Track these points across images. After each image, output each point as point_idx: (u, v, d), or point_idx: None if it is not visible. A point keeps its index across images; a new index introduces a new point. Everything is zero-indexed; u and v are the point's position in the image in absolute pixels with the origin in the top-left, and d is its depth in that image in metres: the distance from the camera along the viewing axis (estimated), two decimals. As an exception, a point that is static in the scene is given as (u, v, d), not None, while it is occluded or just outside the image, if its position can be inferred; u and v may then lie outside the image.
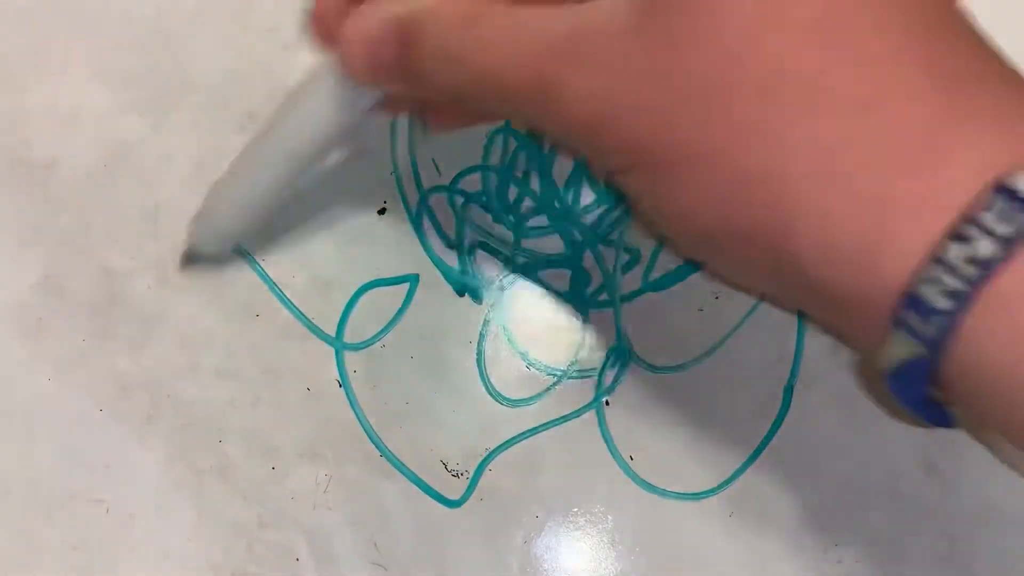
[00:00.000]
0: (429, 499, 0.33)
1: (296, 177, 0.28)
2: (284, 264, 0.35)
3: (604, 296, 0.34)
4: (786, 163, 0.18)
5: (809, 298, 0.20)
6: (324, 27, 0.25)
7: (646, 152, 0.19)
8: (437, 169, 0.36)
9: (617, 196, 0.35)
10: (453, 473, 0.33)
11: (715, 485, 0.33)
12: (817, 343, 0.34)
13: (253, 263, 0.34)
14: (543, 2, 0.20)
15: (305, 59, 0.37)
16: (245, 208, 0.30)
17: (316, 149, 0.27)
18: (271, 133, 0.28)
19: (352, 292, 0.35)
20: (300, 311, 0.34)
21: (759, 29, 0.17)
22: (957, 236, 0.16)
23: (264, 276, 0.34)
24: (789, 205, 0.18)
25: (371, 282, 0.35)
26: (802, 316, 0.34)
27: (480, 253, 0.35)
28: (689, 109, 0.17)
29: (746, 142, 0.18)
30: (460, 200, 0.36)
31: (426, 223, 0.35)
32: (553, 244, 0.35)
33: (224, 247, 0.33)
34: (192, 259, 0.34)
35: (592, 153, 0.21)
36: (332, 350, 0.34)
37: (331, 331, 0.34)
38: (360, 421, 0.33)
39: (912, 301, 0.17)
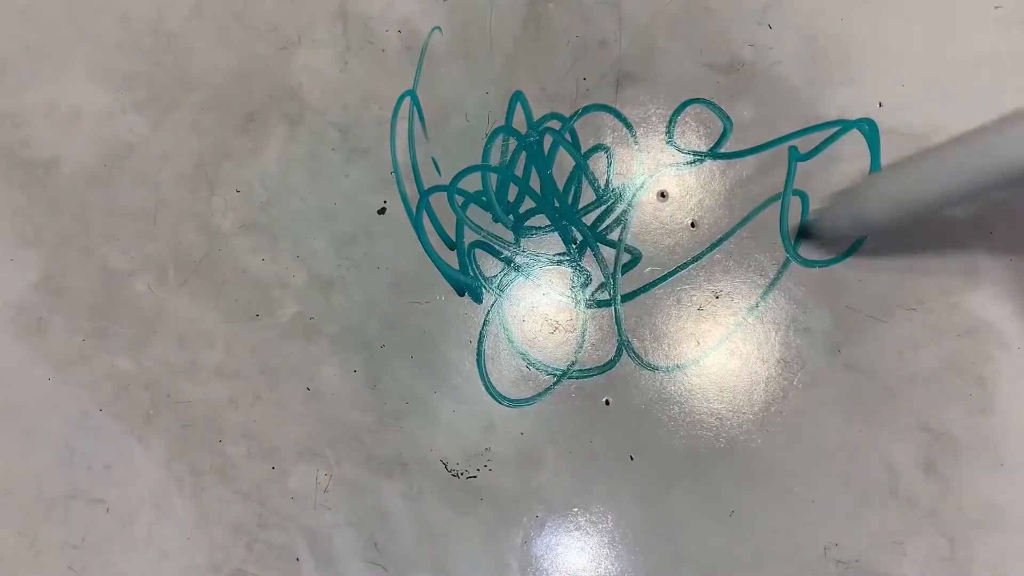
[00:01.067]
0: (429, 499, 0.33)
1: (972, 198, 0.26)
2: (284, 264, 0.35)
3: (604, 295, 0.34)
4: None
5: None
6: None
7: None
8: (437, 169, 0.36)
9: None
10: (453, 473, 0.33)
11: (714, 484, 0.33)
12: (819, 344, 0.34)
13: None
14: None
15: (305, 59, 0.37)
16: (902, 207, 0.28)
17: (1012, 180, 0.25)
18: (971, 145, 0.26)
19: (352, 292, 0.35)
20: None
21: None
22: None
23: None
24: None
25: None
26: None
27: (480, 253, 0.35)
28: None
29: None
30: (460, 200, 0.36)
31: (426, 223, 0.35)
32: (553, 243, 0.35)
33: (849, 234, 0.31)
34: (811, 234, 0.31)
35: None
36: (330, 351, 0.34)
37: (333, 331, 0.34)
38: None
39: None
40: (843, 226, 0.31)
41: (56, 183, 0.36)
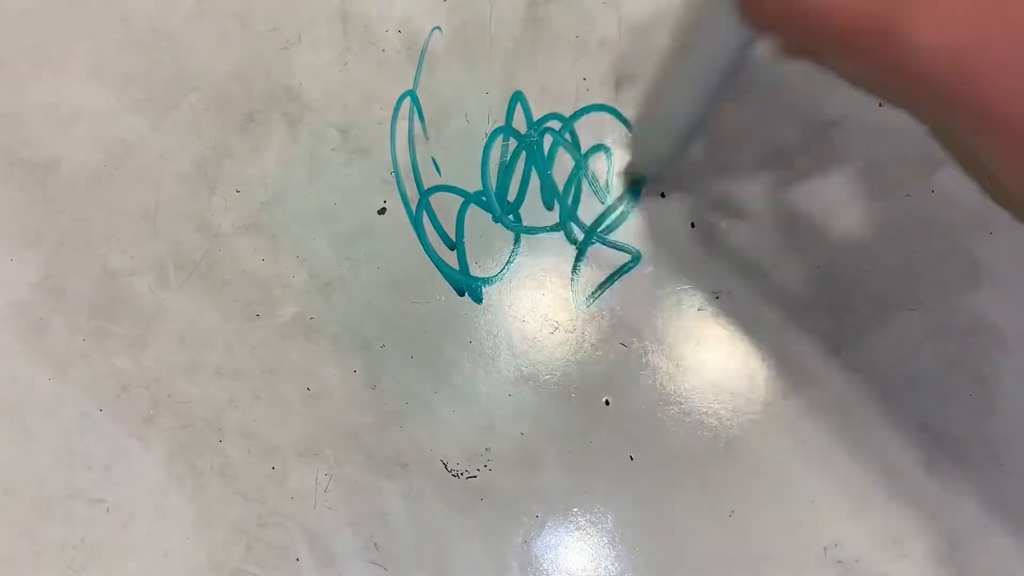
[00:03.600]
0: (429, 499, 0.33)
1: (711, 95, 0.28)
2: (284, 264, 0.35)
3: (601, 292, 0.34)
4: None
5: None
6: None
7: (1017, 121, 0.16)
8: (437, 169, 0.36)
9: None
10: (453, 473, 0.33)
11: (714, 484, 0.33)
12: (819, 344, 0.34)
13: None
14: None
15: (305, 59, 0.37)
16: (673, 129, 0.31)
17: (719, 70, 0.27)
18: (678, 63, 0.28)
19: (352, 292, 0.35)
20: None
21: None
22: None
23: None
24: None
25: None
26: None
27: (480, 253, 0.35)
28: None
29: None
30: (460, 200, 0.36)
31: (426, 223, 0.35)
32: (553, 243, 0.35)
33: (659, 166, 0.34)
34: (634, 180, 0.35)
35: (936, 109, 0.18)
36: (330, 351, 0.34)
37: (333, 331, 0.34)
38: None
39: None
40: (654, 166, 0.34)
41: (56, 183, 0.36)
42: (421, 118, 0.36)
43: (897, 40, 0.17)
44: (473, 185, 0.36)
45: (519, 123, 0.36)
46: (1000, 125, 0.17)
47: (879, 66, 0.18)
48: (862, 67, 0.19)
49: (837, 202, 0.35)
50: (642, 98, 0.31)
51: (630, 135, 0.35)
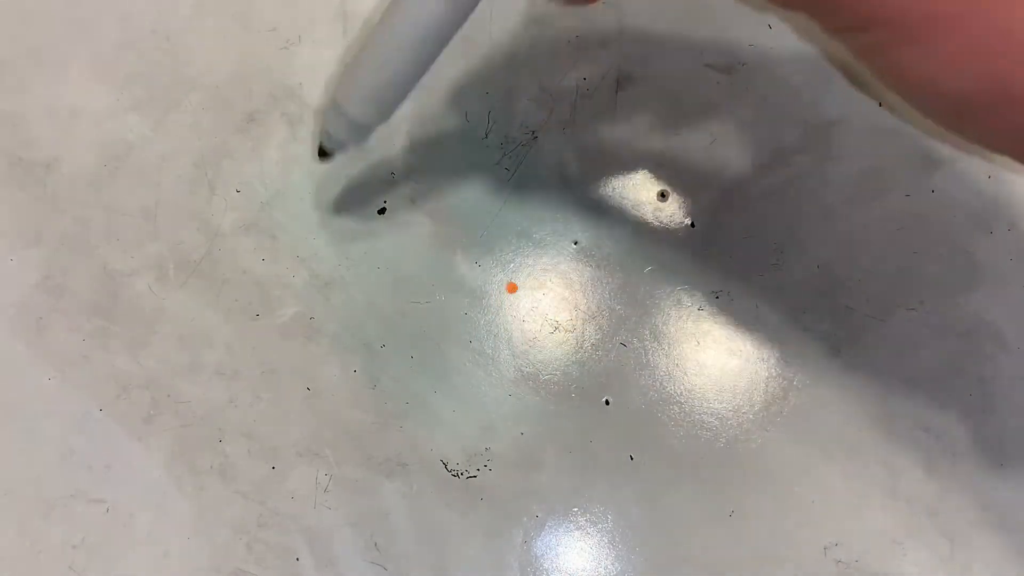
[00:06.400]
0: (429, 499, 0.33)
1: (422, 64, 0.28)
2: (284, 264, 0.35)
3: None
4: None
5: None
6: None
7: (884, 8, 0.17)
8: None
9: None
10: (453, 473, 0.33)
11: (714, 484, 0.33)
12: (819, 344, 0.34)
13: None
14: None
15: (305, 59, 0.37)
16: (376, 93, 0.29)
17: (436, 36, 0.27)
18: (392, 21, 0.27)
19: (352, 292, 0.35)
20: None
21: None
22: None
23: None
24: None
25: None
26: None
27: (481, 254, 0.35)
28: None
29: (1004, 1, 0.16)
30: (460, 200, 0.35)
31: (426, 223, 0.35)
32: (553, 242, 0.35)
33: (357, 135, 0.31)
34: (327, 151, 0.31)
35: (816, 10, 0.19)
36: (330, 351, 0.34)
37: (333, 330, 0.34)
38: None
39: None
40: (348, 134, 0.31)
41: (56, 183, 0.36)
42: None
43: None
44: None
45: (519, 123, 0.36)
46: (881, 13, 0.17)
47: None
48: None
49: (837, 202, 0.35)
50: (345, 70, 0.29)
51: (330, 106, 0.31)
